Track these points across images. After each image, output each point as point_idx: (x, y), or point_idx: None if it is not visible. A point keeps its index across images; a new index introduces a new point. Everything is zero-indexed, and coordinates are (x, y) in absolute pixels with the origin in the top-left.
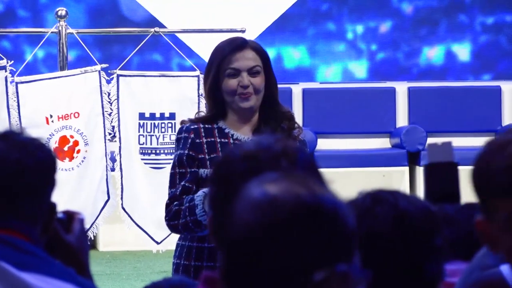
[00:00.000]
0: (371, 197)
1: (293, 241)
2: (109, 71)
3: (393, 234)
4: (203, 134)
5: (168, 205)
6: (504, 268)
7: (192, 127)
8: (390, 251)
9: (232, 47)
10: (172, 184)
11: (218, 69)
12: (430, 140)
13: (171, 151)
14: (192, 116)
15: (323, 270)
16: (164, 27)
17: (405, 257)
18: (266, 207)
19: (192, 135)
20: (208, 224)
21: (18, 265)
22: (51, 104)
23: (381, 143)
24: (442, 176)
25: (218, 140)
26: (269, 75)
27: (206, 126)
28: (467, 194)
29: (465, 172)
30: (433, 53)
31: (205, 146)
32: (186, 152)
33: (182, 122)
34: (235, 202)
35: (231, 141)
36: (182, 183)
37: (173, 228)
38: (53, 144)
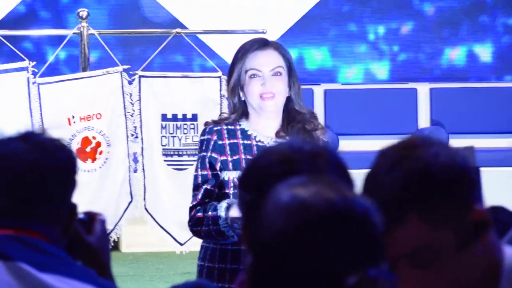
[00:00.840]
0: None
1: (323, 245)
2: (130, 72)
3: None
4: (225, 136)
5: (191, 209)
6: None
7: (215, 128)
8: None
9: (254, 47)
10: (196, 186)
11: (240, 70)
12: (452, 141)
13: (194, 152)
14: (215, 117)
15: (355, 274)
16: (186, 28)
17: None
18: (295, 210)
19: (215, 137)
20: (242, 232)
21: (38, 266)
22: (73, 105)
23: None
24: None
25: (241, 141)
26: (291, 77)
27: (229, 127)
28: (490, 197)
29: (487, 174)
30: (455, 54)
31: (227, 148)
32: (209, 154)
33: (206, 124)
34: (264, 205)
35: (254, 142)
36: (205, 186)
37: (196, 233)
38: (75, 145)
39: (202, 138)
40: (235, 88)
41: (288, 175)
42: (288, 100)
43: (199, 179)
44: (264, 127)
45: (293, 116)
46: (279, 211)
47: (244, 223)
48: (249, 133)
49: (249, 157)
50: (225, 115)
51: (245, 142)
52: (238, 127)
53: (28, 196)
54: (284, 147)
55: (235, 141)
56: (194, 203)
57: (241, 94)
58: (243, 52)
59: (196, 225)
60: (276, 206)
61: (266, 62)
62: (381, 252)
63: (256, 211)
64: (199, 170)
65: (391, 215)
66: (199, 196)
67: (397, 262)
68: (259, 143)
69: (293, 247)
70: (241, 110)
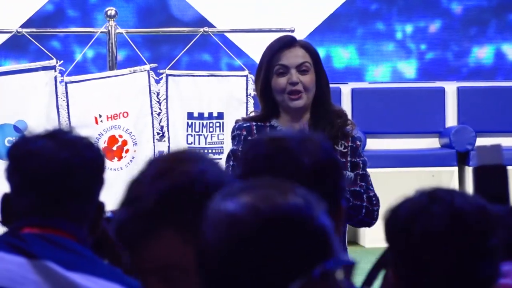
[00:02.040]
0: (428, 195)
1: (258, 257)
2: (158, 71)
3: (448, 233)
4: (255, 132)
5: None
6: None
7: (245, 125)
8: (445, 250)
9: (280, 44)
10: None
11: (268, 68)
12: (480, 140)
13: (219, 151)
14: (241, 116)
15: (298, 279)
16: (213, 27)
17: (460, 257)
18: (224, 225)
19: (245, 133)
20: None
21: (65, 265)
22: (100, 103)
23: (430, 143)
24: (491, 178)
25: None
26: (319, 74)
27: (259, 124)
28: None
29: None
30: (483, 53)
31: None
32: (240, 149)
33: (237, 121)
34: (204, 219)
35: None
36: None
37: None
38: (102, 144)
39: (233, 134)
40: (264, 86)
41: (275, 155)
42: (317, 97)
43: (229, 169)
44: (294, 124)
45: (321, 112)
46: (212, 224)
47: None
48: (278, 129)
49: None
50: (255, 114)
51: None
52: (268, 124)
53: (55, 195)
54: (279, 132)
55: None
56: None
57: (269, 92)
58: (270, 50)
59: None
60: (210, 219)
61: (293, 59)
62: (330, 244)
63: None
64: (230, 161)
65: (145, 228)
66: None
67: (147, 277)
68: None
69: (230, 261)
70: (271, 108)
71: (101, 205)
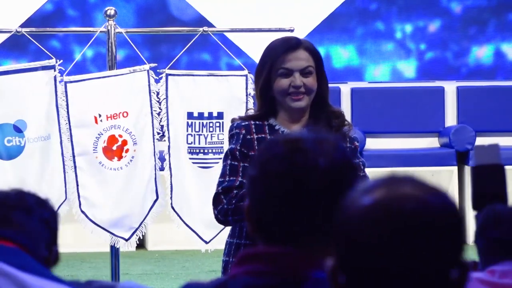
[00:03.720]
0: None
1: (425, 246)
2: (157, 70)
3: None
4: (254, 131)
5: (218, 196)
6: None
7: (243, 124)
8: None
9: (285, 47)
10: (223, 174)
11: (270, 68)
12: (479, 140)
13: (219, 151)
14: (242, 115)
15: (457, 268)
16: (213, 26)
17: None
18: (390, 217)
19: (244, 131)
20: (245, 209)
21: (18, 267)
22: (99, 103)
23: (430, 142)
24: (489, 178)
25: (269, 136)
26: (321, 75)
27: (257, 122)
28: None
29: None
30: (482, 53)
31: (255, 142)
32: (238, 147)
33: (233, 120)
34: (344, 211)
35: None
36: (240, 179)
37: (222, 222)
38: (101, 144)
39: (231, 133)
40: (264, 85)
41: (291, 156)
42: (316, 98)
43: (227, 167)
44: (292, 124)
45: (319, 113)
46: (368, 219)
47: (248, 201)
48: (276, 128)
49: None
50: (252, 112)
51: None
52: (266, 122)
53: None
54: (295, 132)
55: (263, 135)
56: (223, 189)
57: (269, 91)
58: (274, 50)
59: (224, 216)
60: (362, 213)
61: (297, 63)
62: (463, 241)
63: (256, 189)
64: (228, 159)
65: None
66: (226, 185)
67: None
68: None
69: (394, 253)
70: (269, 107)
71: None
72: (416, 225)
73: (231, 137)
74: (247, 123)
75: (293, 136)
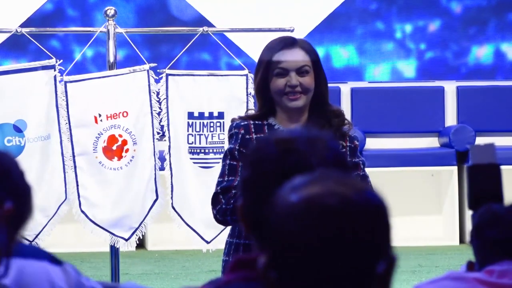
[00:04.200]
0: None
1: (351, 241)
2: (157, 70)
3: None
4: (253, 130)
5: (216, 195)
6: None
7: (242, 123)
8: None
9: (281, 46)
10: (222, 174)
11: (267, 68)
12: (479, 139)
13: (220, 150)
14: (241, 115)
15: (383, 261)
16: (213, 26)
17: None
18: (315, 213)
19: (242, 131)
20: (238, 210)
21: None
22: (99, 103)
23: (430, 142)
24: (485, 177)
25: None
26: (318, 74)
27: (256, 122)
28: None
29: (510, 172)
30: (482, 52)
31: (254, 142)
32: (237, 147)
33: (233, 120)
34: (273, 209)
35: None
36: (238, 179)
37: (221, 222)
38: (101, 143)
39: (230, 132)
40: (261, 85)
41: (284, 157)
42: (315, 97)
43: (226, 167)
44: (291, 123)
45: (319, 112)
46: (293, 215)
47: (243, 200)
48: (276, 127)
49: None
50: (252, 112)
51: None
52: (265, 122)
53: None
54: (286, 131)
55: (262, 135)
56: (222, 189)
57: (267, 91)
58: (270, 50)
59: (223, 215)
60: (288, 210)
61: (292, 61)
62: (390, 236)
63: (249, 190)
64: (227, 159)
65: None
66: (224, 185)
67: None
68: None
69: (318, 248)
70: (268, 107)
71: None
72: (339, 221)
73: (230, 137)
74: (246, 122)
75: (285, 135)
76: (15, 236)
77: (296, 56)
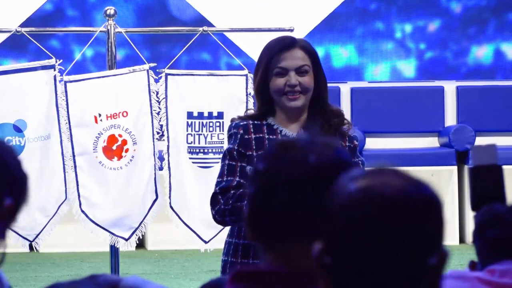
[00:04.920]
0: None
1: (405, 232)
2: (157, 70)
3: None
4: (252, 130)
5: (215, 196)
6: None
7: (241, 123)
8: None
9: (280, 46)
10: (220, 174)
11: (266, 68)
12: (479, 139)
13: (219, 150)
14: (241, 114)
15: (435, 254)
16: (212, 26)
17: None
18: (373, 202)
19: (241, 131)
20: (246, 217)
21: None
22: (99, 103)
23: (430, 142)
24: (487, 178)
25: (267, 136)
26: (318, 74)
27: (256, 122)
28: None
29: (510, 172)
30: (482, 52)
31: (253, 142)
32: (236, 147)
33: (232, 120)
34: (332, 198)
35: (279, 137)
36: (237, 179)
37: (220, 223)
38: (101, 143)
39: (229, 132)
40: (261, 85)
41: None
42: (314, 97)
43: (225, 167)
44: (290, 123)
45: (318, 112)
46: (351, 203)
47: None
48: (275, 127)
49: None
50: (251, 112)
51: (271, 136)
52: (264, 122)
53: None
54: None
55: (261, 135)
56: (221, 189)
57: (266, 91)
58: (270, 51)
59: (222, 216)
60: (346, 198)
61: (292, 61)
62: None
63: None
64: (226, 159)
65: None
66: (224, 184)
67: None
68: (284, 137)
69: (373, 236)
70: (267, 106)
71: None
72: (394, 211)
73: (229, 137)
74: (245, 122)
75: (289, 138)
76: (9, 228)
77: (296, 56)
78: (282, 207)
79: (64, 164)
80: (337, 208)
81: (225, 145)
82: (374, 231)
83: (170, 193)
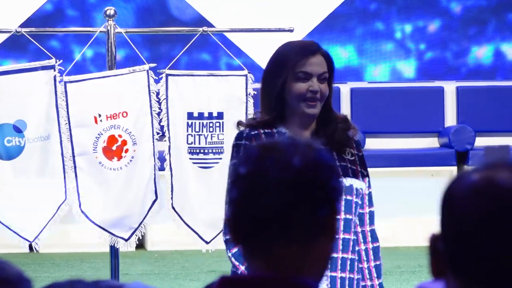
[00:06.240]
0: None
1: None
2: (157, 70)
3: None
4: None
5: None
6: None
7: (253, 133)
8: None
9: (306, 51)
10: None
11: (288, 72)
12: (479, 140)
13: (220, 151)
14: (241, 115)
15: None
16: (212, 26)
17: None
18: (488, 190)
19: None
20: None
21: None
22: (99, 103)
23: (430, 142)
24: None
25: None
26: (330, 83)
27: (266, 130)
28: None
29: None
30: (482, 53)
31: None
32: None
33: (239, 124)
34: (450, 186)
35: None
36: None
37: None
38: (101, 144)
39: (238, 142)
40: (279, 89)
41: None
42: (324, 104)
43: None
44: (302, 130)
45: (327, 119)
46: (471, 191)
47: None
48: (287, 135)
49: None
50: (259, 117)
51: None
52: (275, 130)
53: None
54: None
55: None
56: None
57: (282, 96)
58: (292, 54)
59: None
60: (467, 187)
61: (316, 67)
62: None
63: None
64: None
65: None
66: None
67: None
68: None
69: (493, 225)
70: (278, 112)
71: None
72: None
73: (236, 146)
74: (256, 132)
75: (270, 140)
76: None
77: (318, 62)
78: (269, 209)
79: (64, 165)
80: (454, 196)
81: (225, 145)
82: (493, 221)
83: (172, 194)
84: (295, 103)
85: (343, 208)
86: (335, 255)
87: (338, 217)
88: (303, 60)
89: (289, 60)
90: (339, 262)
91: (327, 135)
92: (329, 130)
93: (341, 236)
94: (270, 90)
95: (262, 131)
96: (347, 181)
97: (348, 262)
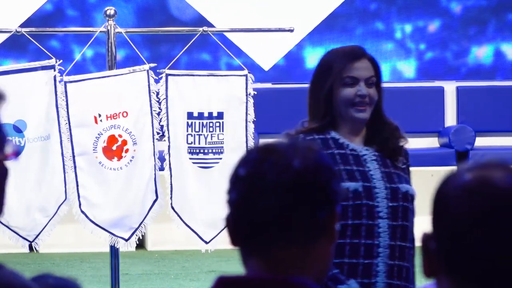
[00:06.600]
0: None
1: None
2: (157, 70)
3: None
4: (320, 146)
5: None
6: None
7: (308, 138)
8: None
9: (352, 55)
10: None
11: (335, 77)
12: (479, 140)
13: (219, 151)
14: (241, 115)
15: None
16: (212, 26)
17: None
18: (482, 189)
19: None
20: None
21: None
22: (99, 103)
23: (430, 142)
24: None
25: (336, 151)
26: (379, 87)
27: (321, 137)
28: None
29: None
30: (482, 53)
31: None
32: None
33: (297, 131)
34: (443, 185)
35: (348, 151)
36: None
37: None
38: (101, 144)
39: None
40: (328, 95)
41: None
42: (374, 109)
43: None
44: (353, 136)
45: (379, 125)
46: (464, 190)
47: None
48: (341, 141)
49: (347, 167)
50: (308, 125)
51: (341, 151)
52: (328, 136)
53: None
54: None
55: (330, 151)
56: None
57: (331, 102)
58: (338, 59)
59: None
60: (459, 186)
61: (363, 72)
62: None
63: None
64: None
65: None
66: None
67: None
68: (353, 152)
69: (485, 225)
70: (329, 119)
71: None
72: (507, 202)
73: None
74: (311, 137)
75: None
76: None
77: (365, 67)
78: (267, 212)
79: (64, 165)
80: (446, 195)
81: (225, 146)
82: (485, 221)
83: (171, 194)
84: (344, 108)
85: (400, 215)
86: (396, 261)
87: (395, 223)
88: (349, 65)
89: (335, 66)
90: (395, 269)
91: (380, 141)
92: (382, 137)
93: (398, 243)
94: (318, 98)
95: (316, 136)
96: (403, 187)
97: (404, 270)
